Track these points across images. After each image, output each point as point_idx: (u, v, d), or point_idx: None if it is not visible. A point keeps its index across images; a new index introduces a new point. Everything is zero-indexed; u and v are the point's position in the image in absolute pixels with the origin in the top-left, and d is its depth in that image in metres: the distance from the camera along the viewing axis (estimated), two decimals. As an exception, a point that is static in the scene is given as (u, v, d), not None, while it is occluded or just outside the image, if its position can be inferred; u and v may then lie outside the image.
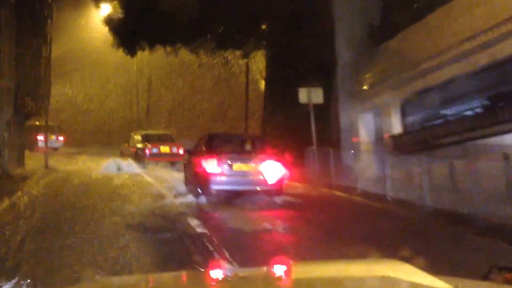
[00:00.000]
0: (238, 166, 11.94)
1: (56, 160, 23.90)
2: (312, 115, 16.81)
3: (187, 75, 34.00)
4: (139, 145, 23.40)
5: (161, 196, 12.78)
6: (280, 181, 12.12)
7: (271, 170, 11.94)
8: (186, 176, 14.59)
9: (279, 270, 2.85)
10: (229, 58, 28.91)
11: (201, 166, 12.10)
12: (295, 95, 17.36)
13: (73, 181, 16.55)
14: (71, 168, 21.34)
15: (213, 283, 2.63)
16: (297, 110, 21.90)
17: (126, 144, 25.70)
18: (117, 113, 41.37)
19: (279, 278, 2.67)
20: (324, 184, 15.78)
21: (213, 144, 12.99)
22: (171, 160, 22.49)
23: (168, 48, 36.34)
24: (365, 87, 18.01)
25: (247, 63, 26.01)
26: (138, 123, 37.77)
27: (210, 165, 11.85)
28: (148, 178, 17.21)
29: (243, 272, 3.47)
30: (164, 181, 16.31)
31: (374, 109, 17.78)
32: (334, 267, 2.93)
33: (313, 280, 2.54)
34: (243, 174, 11.96)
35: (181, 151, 21.76)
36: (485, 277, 2.46)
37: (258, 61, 24.77)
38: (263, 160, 12.05)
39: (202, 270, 4.75)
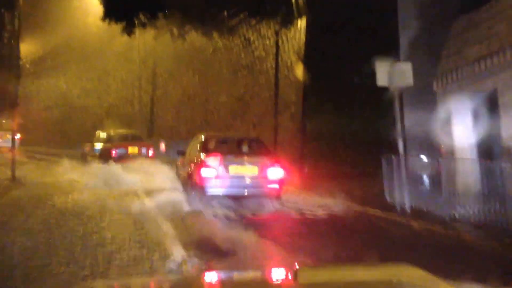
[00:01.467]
0: (234, 169, 11.66)
1: (29, 169, 18.62)
2: (397, 105, 11.17)
3: (198, 64, 28.41)
4: (105, 145, 22.04)
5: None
6: (279, 184, 11.85)
7: (270, 173, 11.71)
8: (177, 178, 14.27)
9: (286, 273, 2.79)
10: (251, 38, 23.29)
11: (195, 169, 11.91)
12: (350, 81, 14.24)
13: (45, 206, 11.26)
14: (48, 181, 16.26)
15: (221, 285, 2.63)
16: (354, 102, 16.39)
17: (90, 144, 24.05)
18: (117, 110, 35.83)
19: (287, 281, 2.62)
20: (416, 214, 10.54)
21: (208, 145, 12.57)
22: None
23: (175, 31, 30.82)
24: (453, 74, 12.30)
25: (277, 41, 20.34)
26: (141, 121, 32.22)
27: (205, 168, 11.59)
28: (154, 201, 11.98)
29: (250, 274, 3.41)
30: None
31: (475, 101, 12.10)
32: (343, 272, 2.89)
33: (322, 285, 2.51)
34: (240, 177, 11.66)
35: (150, 152, 21.87)
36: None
37: (293, 39, 19.12)
38: (261, 162, 11.80)
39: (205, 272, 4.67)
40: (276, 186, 11.78)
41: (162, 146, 27.34)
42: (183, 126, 29.64)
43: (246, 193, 11.73)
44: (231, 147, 12.74)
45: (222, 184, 11.56)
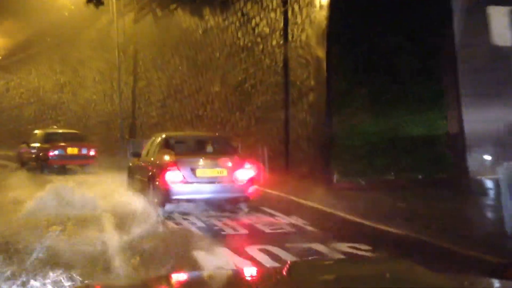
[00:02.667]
0: (202, 171, 10.90)
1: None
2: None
3: (186, 49, 23.98)
4: (41, 146, 20.43)
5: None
6: (251, 186, 11.07)
7: (241, 175, 10.98)
8: (130, 183, 13.06)
9: (281, 269, 2.62)
10: (250, 13, 18.88)
11: (158, 172, 11.05)
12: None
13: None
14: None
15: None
16: (398, 87, 12.40)
17: (25, 145, 21.86)
18: (94, 106, 31.33)
19: (282, 276, 2.53)
20: None
21: (172, 146, 11.72)
22: (80, 164, 20.76)
23: (158, 11, 26.32)
24: None
25: (285, 11, 16.01)
26: (123, 118, 27.80)
27: (170, 172, 10.73)
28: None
29: (246, 271, 3.41)
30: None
31: None
32: (337, 266, 2.90)
33: (316, 280, 2.46)
34: (209, 180, 10.91)
35: (92, 153, 21.01)
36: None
37: (308, 5, 14.72)
38: (231, 163, 10.99)
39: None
40: (249, 187, 11.04)
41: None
42: (169, 122, 25.21)
43: (215, 197, 11.17)
44: (197, 148, 12.13)
45: (189, 189, 10.82)
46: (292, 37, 15.98)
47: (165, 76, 26.02)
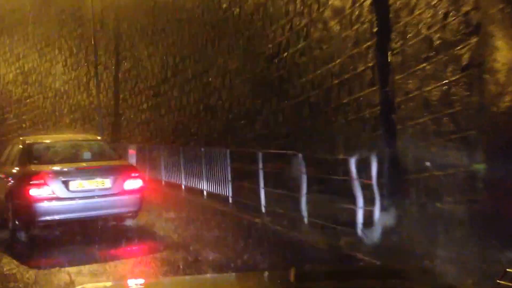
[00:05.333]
0: (77, 183, 9.01)
1: None
2: None
3: (188, 7, 16.38)
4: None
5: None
6: (138, 199, 9.36)
7: (125, 186, 9.25)
8: None
9: (283, 275, 2.70)
10: None
11: (18, 188, 9.10)
12: None
13: None
14: None
15: None
16: None
17: None
18: (66, 99, 23.66)
19: (284, 284, 2.52)
20: None
21: (36, 153, 9.69)
22: None
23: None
24: None
25: None
26: (103, 114, 20.24)
27: (35, 187, 8.76)
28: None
29: (250, 275, 3.46)
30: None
31: None
32: (343, 274, 2.87)
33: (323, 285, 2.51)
34: (87, 194, 9.02)
35: None
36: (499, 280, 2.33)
37: None
38: (114, 173, 9.28)
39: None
40: (135, 201, 9.31)
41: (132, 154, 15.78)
42: (167, 118, 17.57)
43: (96, 215, 9.27)
44: (70, 154, 10.05)
45: (61, 207, 8.82)
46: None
47: (158, 52, 18.34)
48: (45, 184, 8.78)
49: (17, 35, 26.70)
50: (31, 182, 8.79)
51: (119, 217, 9.62)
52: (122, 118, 20.23)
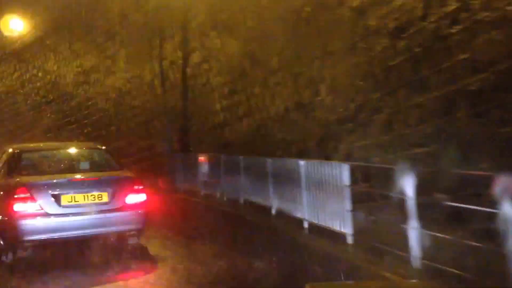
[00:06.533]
0: (70, 197, 8.20)
1: None
2: None
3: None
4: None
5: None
6: (142, 216, 8.51)
7: (127, 200, 8.42)
8: None
9: None
10: None
11: (1, 203, 8.28)
12: None
13: None
14: None
15: None
16: None
17: None
18: (132, 100, 20.84)
19: None
20: None
21: (22, 164, 8.91)
22: None
23: None
24: None
25: None
26: (169, 119, 17.18)
27: (20, 202, 7.95)
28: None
29: None
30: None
31: None
32: None
33: None
34: (81, 210, 8.19)
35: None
36: None
37: None
38: (113, 185, 8.46)
39: None
40: (138, 217, 8.45)
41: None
42: (246, 121, 14.14)
43: (91, 234, 8.36)
44: (64, 164, 9.15)
45: (50, 225, 8.03)
46: None
47: (233, 43, 14.94)
48: (31, 198, 8.04)
49: (77, 30, 24.09)
50: (15, 196, 8.03)
51: (120, 236, 8.67)
52: (191, 123, 16.94)
